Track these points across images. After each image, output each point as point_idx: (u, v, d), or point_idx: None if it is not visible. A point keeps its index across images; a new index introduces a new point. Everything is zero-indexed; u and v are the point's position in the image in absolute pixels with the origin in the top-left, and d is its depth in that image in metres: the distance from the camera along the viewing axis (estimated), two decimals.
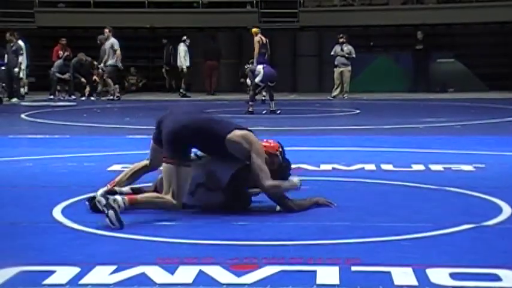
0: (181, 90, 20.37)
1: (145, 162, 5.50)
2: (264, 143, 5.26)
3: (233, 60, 22.14)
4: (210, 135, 5.07)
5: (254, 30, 16.87)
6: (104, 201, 4.76)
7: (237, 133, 5.11)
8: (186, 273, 3.75)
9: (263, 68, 14.46)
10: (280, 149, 5.35)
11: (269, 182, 5.05)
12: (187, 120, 5.10)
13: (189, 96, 19.89)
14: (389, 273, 3.71)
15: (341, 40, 19.19)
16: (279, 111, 14.49)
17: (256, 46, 16.44)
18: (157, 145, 5.24)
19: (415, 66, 20.99)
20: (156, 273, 3.73)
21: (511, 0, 22.99)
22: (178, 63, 20.32)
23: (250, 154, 5.05)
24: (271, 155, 5.24)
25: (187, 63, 20.21)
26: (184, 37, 20.26)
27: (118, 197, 4.85)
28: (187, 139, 5.03)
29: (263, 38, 16.66)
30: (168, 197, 4.98)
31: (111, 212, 4.69)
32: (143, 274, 3.73)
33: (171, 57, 21.55)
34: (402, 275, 3.68)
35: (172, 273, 3.75)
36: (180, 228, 4.78)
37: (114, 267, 3.82)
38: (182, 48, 20.10)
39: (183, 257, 4.03)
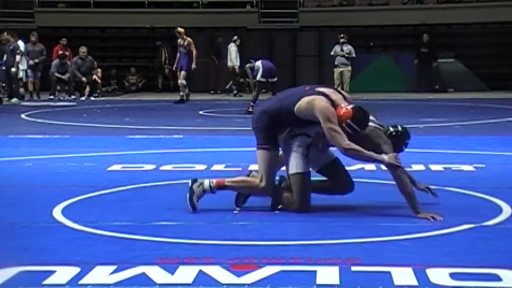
0: (234, 92, 20.31)
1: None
2: (339, 109, 5.03)
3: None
4: (284, 113, 5.11)
5: (181, 30, 16.98)
6: (190, 183, 5.20)
7: (303, 101, 5.08)
8: (186, 273, 3.75)
9: (261, 63, 14.51)
10: (353, 118, 5.01)
11: (345, 142, 4.94)
12: (263, 107, 5.32)
13: (241, 96, 19.86)
14: (389, 273, 3.71)
15: (341, 40, 19.18)
16: None
17: (193, 46, 16.61)
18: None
19: (420, 69, 20.89)
20: (156, 273, 3.73)
21: (511, 0, 23.02)
22: (229, 64, 20.30)
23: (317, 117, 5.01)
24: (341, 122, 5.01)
25: (238, 63, 20.19)
26: (235, 37, 20.14)
27: (205, 181, 5.22)
28: (267, 124, 5.17)
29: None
30: (257, 180, 5.18)
31: (189, 194, 5.17)
32: (143, 274, 3.73)
33: (167, 58, 21.63)
34: (402, 275, 3.68)
35: (172, 273, 3.75)
36: (180, 228, 4.78)
37: (114, 267, 3.82)
38: (233, 49, 20.00)
39: (183, 257, 4.03)
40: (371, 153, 5.02)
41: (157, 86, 22.36)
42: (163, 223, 4.91)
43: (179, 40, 17.00)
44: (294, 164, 5.16)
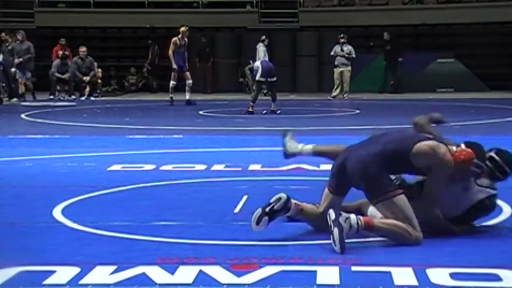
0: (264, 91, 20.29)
1: (316, 207, 4.71)
2: (456, 150, 4.53)
3: (233, 60, 22.15)
4: (395, 157, 4.47)
5: (183, 29, 16.69)
6: (333, 215, 4.25)
7: (421, 144, 4.50)
8: (186, 273, 3.74)
9: (261, 63, 14.53)
10: (476, 160, 4.54)
11: (436, 211, 4.46)
12: (368, 156, 4.49)
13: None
14: (389, 273, 3.71)
15: (341, 40, 19.18)
16: (279, 111, 14.48)
17: (172, 47, 16.37)
18: (333, 194, 4.65)
19: (385, 67, 20.78)
20: (156, 274, 3.73)
21: (510, 0, 23.02)
22: (257, 64, 20.20)
23: (433, 166, 4.45)
24: (462, 165, 4.49)
25: None
26: (263, 37, 19.95)
27: (352, 216, 4.30)
28: (377, 171, 4.43)
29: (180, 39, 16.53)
30: (410, 228, 4.34)
31: (336, 230, 4.17)
32: (143, 274, 3.73)
33: (157, 57, 21.59)
34: (402, 275, 3.68)
35: (172, 273, 3.75)
36: (180, 228, 4.78)
37: (114, 268, 3.82)
38: (261, 48, 19.90)
39: (183, 257, 4.03)
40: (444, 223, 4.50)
41: (152, 87, 22.26)
42: (163, 223, 4.91)
43: (180, 40, 16.66)
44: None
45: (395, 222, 4.35)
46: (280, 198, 4.55)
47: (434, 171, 4.47)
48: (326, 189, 4.70)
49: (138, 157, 8.15)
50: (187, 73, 16.71)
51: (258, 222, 4.45)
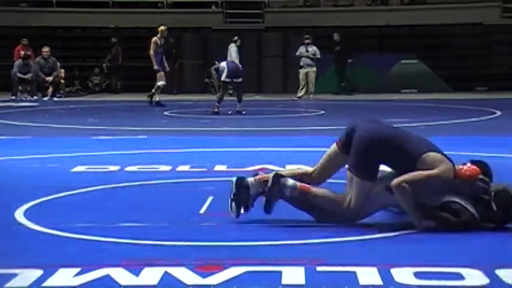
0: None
1: (308, 169, 5.08)
2: (461, 167, 4.71)
3: (198, 61, 22.10)
4: (402, 154, 4.66)
5: (162, 28, 16.51)
6: (271, 181, 4.74)
7: (432, 155, 4.66)
8: (151, 274, 3.72)
9: (227, 63, 14.51)
10: (482, 177, 4.69)
11: (401, 179, 4.59)
12: (385, 134, 4.74)
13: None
14: (354, 273, 3.73)
15: (306, 41, 19.26)
16: (244, 112, 14.49)
17: (153, 47, 16.17)
18: (341, 150, 4.86)
19: (335, 68, 20.88)
20: (121, 275, 3.70)
21: (473, 2, 23.34)
22: None
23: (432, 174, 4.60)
24: (469, 181, 4.65)
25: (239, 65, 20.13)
26: (236, 37, 19.91)
27: (290, 180, 4.75)
28: (379, 153, 4.68)
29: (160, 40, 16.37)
30: (345, 204, 4.68)
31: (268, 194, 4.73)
32: (107, 276, 3.69)
33: (120, 57, 21.43)
34: (367, 274, 3.70)
35: (137, 274, 3.72)
36: (145, 230, 4.74)
37: (77, 270, 3.77)
38: (234, 49, 19.87)
39: (148, 259, 4.00)
40: (414, 210, 4.61)
41: (116, 87, 22.07)
42: (128, 224, 4.87)
43: (160, 40, 16.33)
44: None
45: (331, 197, 4.75)
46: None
47: (431, 179, 4.60)
48: (333, 144, 4.94)
49: (102, 158, 8.07)
50: (163, 73, 16.49)
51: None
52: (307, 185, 4.84)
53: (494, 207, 4.61)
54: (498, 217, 4.63)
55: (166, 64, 16.59)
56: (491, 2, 23.23)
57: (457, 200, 4.64)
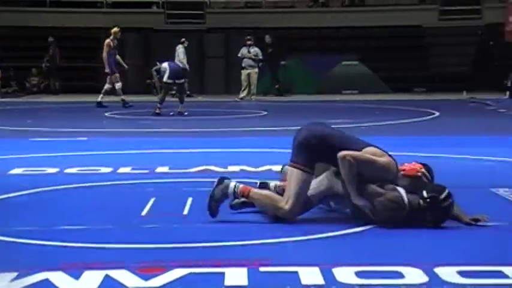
0: (187, 92, 20.10)
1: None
2: (404, 166, 4.87)
3: (139, 62, 21.90)
4: (344, 148, 4.78)
5: (115, 30, 16.41)
6: (216, 182, 4.90)
7: (372, 149, 4.86)
8: (92, 278, 3.66)
9: (168, 64, 14.42)
10: (424, 171, 4.85)
11: (348, 152, 4.72)
12: (327, 132, 4.92)
13: (193, 96, 19.63)
14: (296, 273, 3.74)
15: (248, 42, 19.30)
16: (186, 113, 14.42)
17: (106, 49, 16.04)
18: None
19: (269, 70, 21.01)
20: (60, 279, 3.64)
21: (412, 5, 23.77)
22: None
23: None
24: (411, 177, 4.80)
25: (187, 65, 19.93)
26: (183, 39, 19.88)
27: (232, 183, 4.89)
28: (320, 148, 4.82)
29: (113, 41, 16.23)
30: (282, 202, 4.81)
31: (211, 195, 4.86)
32: (46, 280, 3.62)
33: (57, 57, 21.15)
34: (309, 274, 3.72)
35: (77, 278, 3.66)
36: (85, 233, 4.67)
37: (15, 274, 3.69)
38: (181, 50, 19.73)
39: (89, 262, 3.94)
40: (353, 184, 4.71)
41: (55, 88, 21.69)
42: (67, 227, 4.78)
43: (113, 42, 16.12)
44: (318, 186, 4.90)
45: (268, 194, 4.92)
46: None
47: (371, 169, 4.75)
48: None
49: (41, 160, 7.92)
50: (118, 75, 16.24)
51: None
52: (248, 187, 4.95)
53: (424, 205, 4.66)
54: (426, 216, 4.67)
55: (124, 63, 16.48)
56: (430, 4, 23.71)
57: (397, 189, 4.73)
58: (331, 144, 4.83)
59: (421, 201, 4.67)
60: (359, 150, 4.82)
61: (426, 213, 4.66)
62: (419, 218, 4.67)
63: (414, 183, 4.79)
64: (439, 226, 4.71)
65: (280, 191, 5.09)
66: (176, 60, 19.74)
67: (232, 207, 5.11)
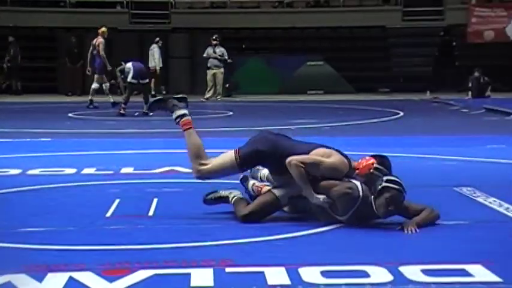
0: (153, 92, 19.95)
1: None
2: (359, 164, 4.90)
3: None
4: (292, 153, 4.85)
5: (102, 30, 16.32)
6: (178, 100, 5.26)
7: (321, 150, 4.91)
8: (55, 280, 3.62)
9: (132, 64, 14.32)
10: (377, 165, 4.88)
11: (295, 157, 4.81)
12: (272, 142, 4.99)
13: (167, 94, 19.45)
14: (262, 273, 3.74)
15: (213, 42, 19.27)
16: (151, 113, 14.34)
17: (101, 48, 15.95)
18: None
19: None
20: (23, 282, 3.59)
21: (376, 6, 23.97)
22: (152, 64, 19.79)
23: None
24: (365, 175, 4.84)
25: (161, 65, 19.95)
26: (157, 38, 19.85)
27: (186, 111, 5.26)
28: (262, 154, 4.94)
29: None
30: (202, 161, 5.03)
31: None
32: (9, 283, 3.58)
33: (19, 57, 20.91)
34: (275, 274, 3.72)
35: (40, 281, 3.61)
36: (48, 234, 4.61)
37: None
38: (156, 50, 19.67)
39: (52, 264, 3.89)
40: (307, 186, 4.79)
41: (17, 88, 21.37)
42: (30, 229, 4.72)
43: (94, 40, 16.03)
44: (284, 190, 4.96)
45: (198, 145, 5.14)
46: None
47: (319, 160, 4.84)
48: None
49: (2, 161, 7.81)
50: (97, 76, 16.03)
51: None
52: (191, 124, 5.27)
53: (375, 201, 4.69)
54: (379, 209, 4.69)
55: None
56: (393, 5, 23.93)
57: (352, 181, 4.80)
58: (281, 153, 4.89)
59: (374, 189, 4.70)
60: (307, 153, 4.88)
61: (375, 202, 4.67)
62: (369, 210, 4.70)
63: (369, 180, 4.82)
64: (392, 227, 4.72)
65: (257, 192, 5.14)
66: (151, 60, 19.77)
67: (205, 201, 5.16)
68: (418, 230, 4.64)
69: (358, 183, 4.80)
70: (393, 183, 4.67)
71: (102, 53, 15.90)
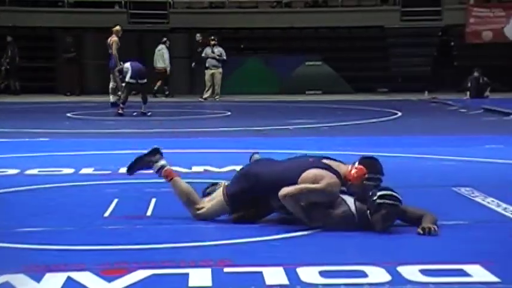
0: (166, 92, 20.16)
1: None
2: (350, 174, 4.78)
3: (102, 62, 21.69)
4: (283, 184, 4.75)
5: (116, 28, 16.35)
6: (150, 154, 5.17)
7: (312, 172, 4.76)
8: (54, 280, 3.62)
9: (130, 64, 14.29)
10: (369, 175, 4.77)
11: (286, 190, 4.71)
12: (257, 173, 4.91)
13: (173, 96, 19.68)
14: (261, 273, 3.74)
15: (212, 42, 19.26)
16: (149, 113, 14.34)
17: (114, 46, 15.99)
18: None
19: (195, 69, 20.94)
20: (22, 282, 3.59)
21: (374, 6, 23.97)
22: (160, 65, 19.87)
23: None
24: (357, 182, 4.76)
25: (169, 65, 20.04)
26: (165, 38, 19.89)
27: (162, 162, 5.12)
28: (249, 190, 4.87)
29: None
30: (198, 206, 4.97)
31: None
32: (7, 283, 3.57)
33: (17, 57, 20.91)
34: (274, 274, 3.72)
35: (38, 281, 3.61)
36: (47, 234, 4.61)
37: None
38: (165, 51, 19.76)
39: (50, 264, 3.89)
40: (304, 215, 4.72)
41: (16, 88, 21.34)
42: (28, 229, 4.72)
43: (108, 39, 16.04)
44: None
45: (187, 192, 5.01)
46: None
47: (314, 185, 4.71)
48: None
49: (0, 161, 7.81)
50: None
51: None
52: (173, 173, 5.15)
53: (372, 217, 4.64)
54: (377, 225, 4.64)
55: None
56: (391, 6, 23.94)
57: (344, 201, 4.73)
58: (270, 184, 4.78)
59: (369, 205, 4.64)
60: (297, 178, 4.74)
61: (372, 218, 4.62)
62: (367, 223, 4.66)
63: (362, 189, 4.74)
64: (391, 228, 4.71)
65: None
66: (160, 60, 19.77)
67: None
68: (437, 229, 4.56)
69: (350, 201, 4.72)
70: (387, 199, 4.59)
71: (114, 52, 15.94)
